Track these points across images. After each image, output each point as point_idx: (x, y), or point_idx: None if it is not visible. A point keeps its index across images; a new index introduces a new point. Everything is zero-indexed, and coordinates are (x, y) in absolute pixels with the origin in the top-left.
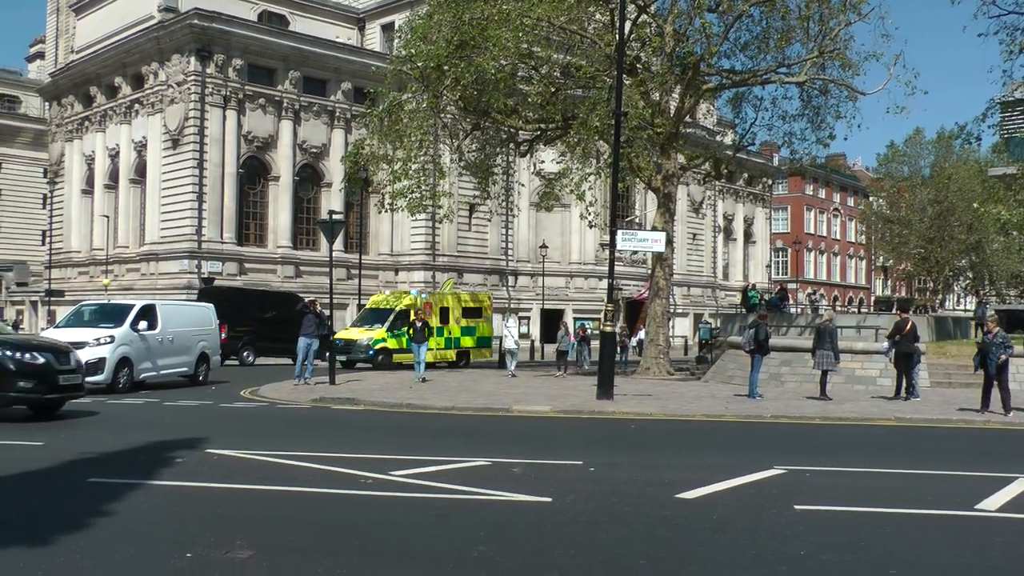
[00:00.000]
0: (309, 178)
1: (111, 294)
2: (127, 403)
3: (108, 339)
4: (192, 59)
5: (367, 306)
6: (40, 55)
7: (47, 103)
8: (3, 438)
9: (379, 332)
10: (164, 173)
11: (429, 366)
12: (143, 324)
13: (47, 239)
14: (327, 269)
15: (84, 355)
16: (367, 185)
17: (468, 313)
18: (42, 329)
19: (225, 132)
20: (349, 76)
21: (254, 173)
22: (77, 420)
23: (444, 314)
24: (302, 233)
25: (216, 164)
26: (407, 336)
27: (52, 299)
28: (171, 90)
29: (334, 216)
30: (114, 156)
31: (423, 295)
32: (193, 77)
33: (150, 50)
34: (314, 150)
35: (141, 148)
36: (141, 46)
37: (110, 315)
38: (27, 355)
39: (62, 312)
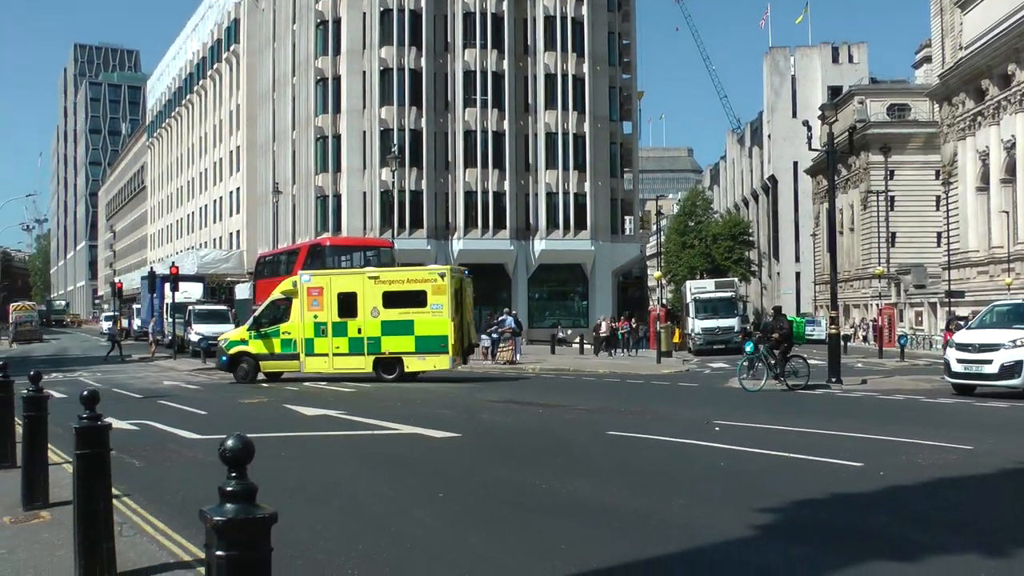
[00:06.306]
0: None
1: (1014, 293)
2: None
3: None
4: None
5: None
6: (927, 59)
7: (936, 105)
8: (937, 439)
9: (239, 332)
10: None
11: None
12: None
13: (942, 240)
14: None
15: (999, 358)
16: None
17: (396, 300)
18: (941, 330)
19: None
20: None
21: None
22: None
23: (347, 304)
24: None
25: None
26: (282, 337)
27: (952, 300)
28: None
29: None
30: (1009, 148)
31: (305, 276)
32: None
33: None
34: None
35: None
36: None
37: None
38: None
39: (962, 313)
